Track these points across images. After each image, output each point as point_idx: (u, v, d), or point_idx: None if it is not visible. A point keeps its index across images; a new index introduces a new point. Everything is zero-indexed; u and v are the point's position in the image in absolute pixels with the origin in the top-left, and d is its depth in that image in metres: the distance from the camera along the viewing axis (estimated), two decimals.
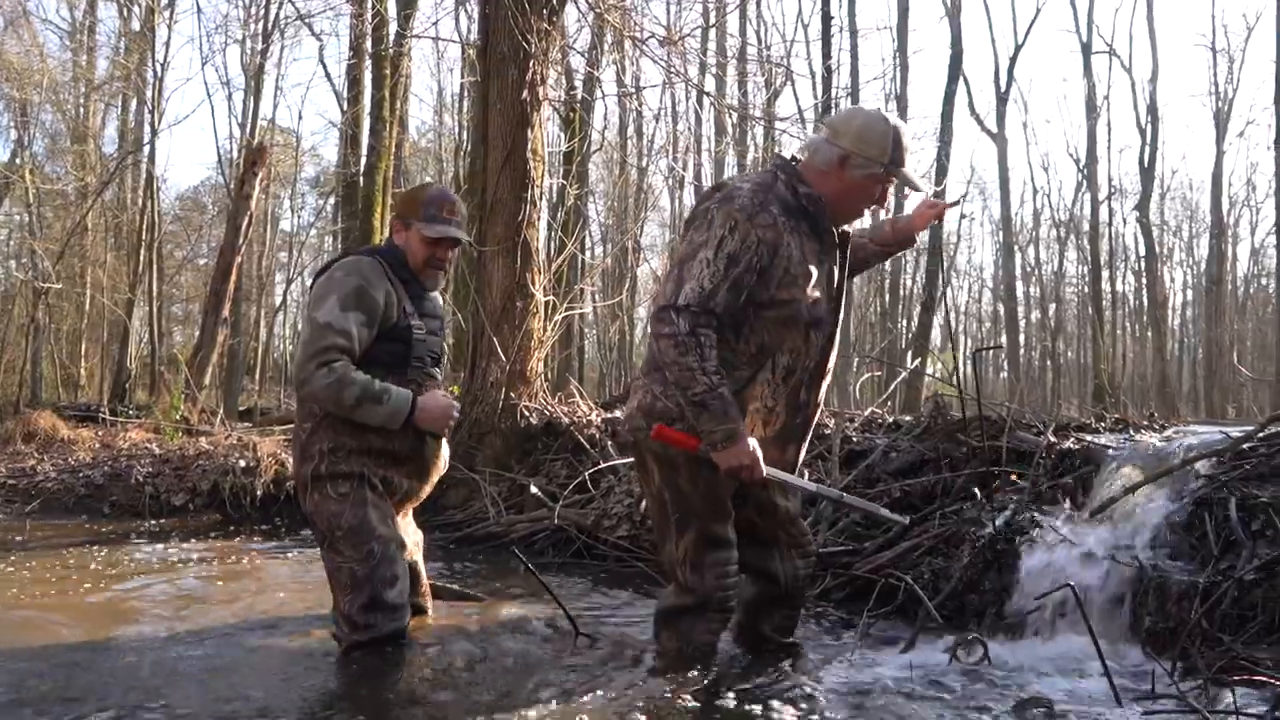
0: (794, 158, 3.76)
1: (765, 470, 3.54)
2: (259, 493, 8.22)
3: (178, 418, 10.72)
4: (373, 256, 4.12)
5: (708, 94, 13.44)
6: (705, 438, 3.47)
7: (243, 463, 8.43)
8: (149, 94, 21.18)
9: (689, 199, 28.01)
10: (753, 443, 3.48)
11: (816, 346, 3.68)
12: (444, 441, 4.30)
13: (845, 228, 3.82)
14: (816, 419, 3.92)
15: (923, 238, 26.58)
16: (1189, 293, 40.51)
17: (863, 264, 4.15)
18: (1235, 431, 4.84)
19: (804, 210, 3.61)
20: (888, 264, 26.23)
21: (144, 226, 20.47)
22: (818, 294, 3.62)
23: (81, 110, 26.43)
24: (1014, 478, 5.15)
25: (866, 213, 3.88)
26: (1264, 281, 36.95)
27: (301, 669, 3.77)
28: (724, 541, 3.71)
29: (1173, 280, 39.02)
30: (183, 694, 3.41)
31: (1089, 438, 5.43)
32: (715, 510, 3.68)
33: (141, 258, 21.01)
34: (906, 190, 3.86)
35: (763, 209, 3.51)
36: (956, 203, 4.69)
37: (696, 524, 3.68)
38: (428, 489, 4.33)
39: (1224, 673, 3.42)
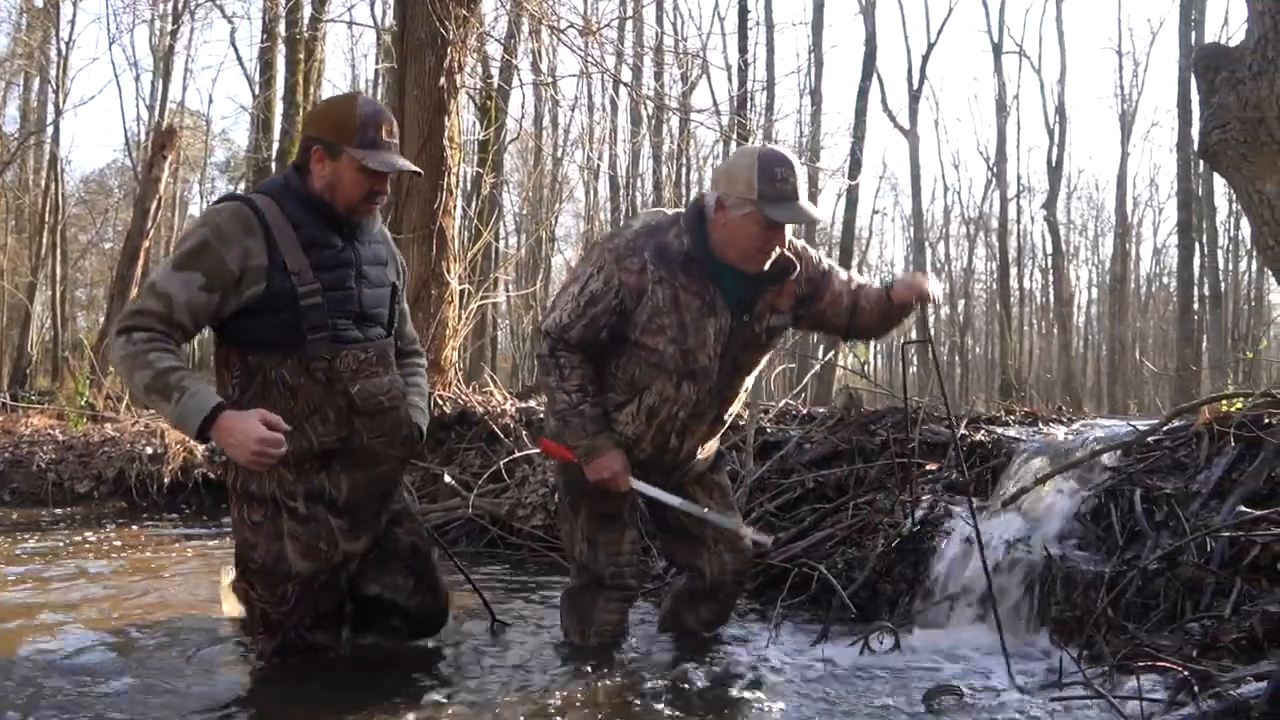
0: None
1: (631, 483, 3.64)
2: (166, 480, 8.05)
3: (82, 404, 10.48)
4: (246, 202, 3.28)
5: (624, 83, 13.45)
6: (572, 451, 3.62)
7: (149, 450, 8.26)
8: (53, 73, 20.78)
9: (604, 189, 28.06)
10: (615, 457, 3.59)
11: (689, 398, 3.64)
12: (404, 414, 3.56)
13: (777, 287, 3.63)
14: (696, 462, 3.91)
15: (836, 233, 26.81)
16: (1094, 290, 41.46)
17: (867, 328, 3.90)
18: (1140, 425, 4.95)
19: (685, 263, 3.51)
20: None
21: (47, 209, 20.07)
22: (691, 347, 3.54)
23: None
24: (928, 468, 5.21)
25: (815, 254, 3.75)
26: (1165, 280, 37.85)
27: (202, 670, 3.66)
28: (616, 520, 3.78)
29: (1078, 278, 39.92)
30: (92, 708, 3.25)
31: (999, 430, 5.52)
32: (601, 491, 3.71)
33: (44, 241, 20.59)
34: (781, 222, 3.42)
35: (634, 254, 3.50)
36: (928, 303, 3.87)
37: (587, 505, 3.77)
38: (391, 469, 3.60)
39: (1128, 660, 3.48)
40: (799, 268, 3.64)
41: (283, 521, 3.34)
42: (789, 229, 3.51)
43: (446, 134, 7.81)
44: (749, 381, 3.83)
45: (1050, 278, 33.28)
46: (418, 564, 3.72)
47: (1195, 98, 2.79)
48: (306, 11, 18.03)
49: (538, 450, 6.49)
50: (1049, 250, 32.23)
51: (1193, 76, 2.70)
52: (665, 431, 3.68)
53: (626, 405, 3.63)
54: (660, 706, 3.21)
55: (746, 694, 3.36)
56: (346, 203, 3.32)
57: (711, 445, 3.97)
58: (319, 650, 3.47)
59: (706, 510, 3.86)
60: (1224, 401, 4.81)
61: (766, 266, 3.53)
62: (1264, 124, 2.45)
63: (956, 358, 37.05)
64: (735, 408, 3.87)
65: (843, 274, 3.86)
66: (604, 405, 3.62)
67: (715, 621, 4.09)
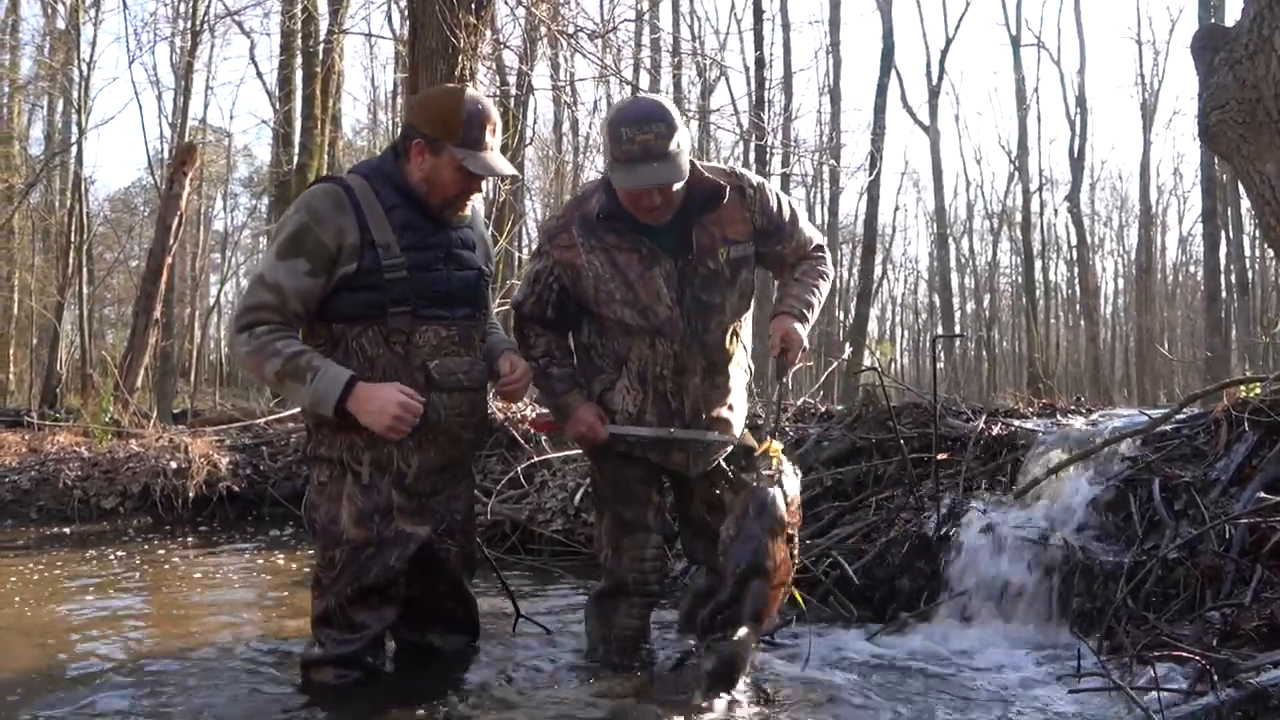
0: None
1: (608, 430, 3.58)
2: (191, 494, 8.05)
3: (107, 420, 10.53)
4: (337, 182, 3.33)
5: (639, 89, 13.44)
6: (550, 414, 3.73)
7: (174, 464, 8.27)
8: (75, 94, 20.91)
9: None
10: (586, 409, 3.58)
11: (667, 354, 3.54)
12: (481, 398, 3.54)
13: (712, 215, 3.50)
14: (721, 431, 3.70)
15: (857, 231, 26.72)
16: (1120, 281, 41.22)
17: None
18: (1154, 414, 4.91)
19: (608, 223, 3.45)
20: None
21: (73, 228, 20.22)
22: (646, 303, 3.48)
23: (5, 111, 25.95)
24: (942, 457, 5.13)
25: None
26: (1192, 269, 37.57)
27: (228, 679, 3.68)
28: (637, 526, 3.72)
29: (1104, 269, 39.71)
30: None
31: (1016, 423, 5.49)
32: (623, 496, 3.71)
33: (71, 260, 20.75)
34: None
35: (563, 229, 3.53)
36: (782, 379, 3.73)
37: (608, 508, 3.76)
38: (463, 454, 3.56)
39: (1148, 650, 3.46)
40: (728, 192, 3.50)
41: (345, 484, 3.32)
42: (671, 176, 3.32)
43: None
44: (738, 325, 3.66)
45: (1075, 270, 33.12)
46: (457, 575, 3.66)
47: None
48: (324, 24, 18.07)
49: (557, 455, 6.51)
50: (1073, 242, 32.05)
51: (1191, 58, 2.67)
52: (661, 394, 3.58)
53: (620, 379, 3.59)
54: (674, 704, 3.21)
55: (759, 689, 3.35)
56: (442, 198, 3.32)
57: (736, 406, 3.74)
58: (352, 633, 3.33)
59: (673, 430, 3.61)
60: (1242, 387, 4.77)
61: (667, 219, 3.42)
62: (1261, 103, 2.42)
63: (984, 352, 36.90)
64: (737, 357, 3.69)
65: (809, 234, 3.72)
66: (573, 369, 3.66)
67: None
